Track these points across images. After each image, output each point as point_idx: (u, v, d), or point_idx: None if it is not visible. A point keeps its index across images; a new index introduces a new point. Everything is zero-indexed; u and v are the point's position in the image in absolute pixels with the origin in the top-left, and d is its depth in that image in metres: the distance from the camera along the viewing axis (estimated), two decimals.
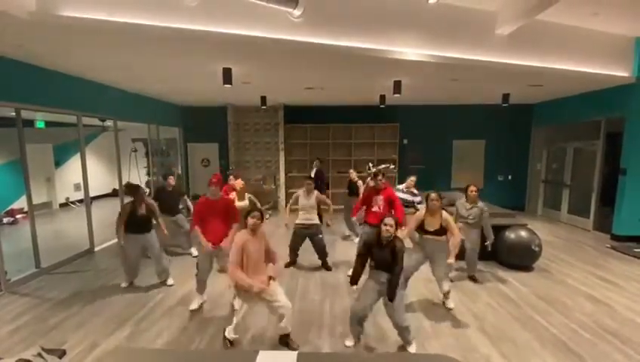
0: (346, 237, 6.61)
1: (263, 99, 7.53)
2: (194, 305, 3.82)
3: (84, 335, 3.25)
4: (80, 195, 7.97)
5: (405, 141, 9.26)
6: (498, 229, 4.95)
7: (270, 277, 2.97)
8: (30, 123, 8.21)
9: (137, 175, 9.11)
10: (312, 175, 6.75)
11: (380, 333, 3.27)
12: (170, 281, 4.43)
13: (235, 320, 2.94)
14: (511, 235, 4.91)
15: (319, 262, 5.06)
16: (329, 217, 5.08)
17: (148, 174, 8.39)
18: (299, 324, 3.41)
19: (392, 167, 8.73)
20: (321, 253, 4.99)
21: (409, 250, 3.39)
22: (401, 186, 6.06)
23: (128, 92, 6.81)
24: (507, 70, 5.01)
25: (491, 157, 9.30)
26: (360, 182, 6.25)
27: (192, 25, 3.62)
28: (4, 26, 3.32)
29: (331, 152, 9.26)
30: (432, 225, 3.64)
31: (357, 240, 6.13)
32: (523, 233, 4.90)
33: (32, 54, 4.30)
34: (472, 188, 4.41)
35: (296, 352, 2.08)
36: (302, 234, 4.94)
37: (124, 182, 6.66)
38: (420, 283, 4.28)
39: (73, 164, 9.59)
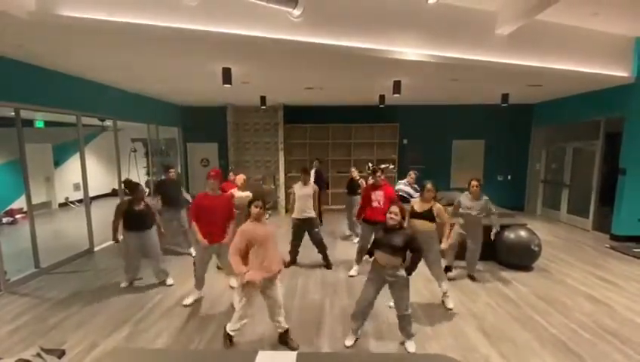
0: (346, 237, 6.61)
1: (263, 99, 7.52)
2: (188, 300, 3.85)
3: (83, 336, 3.25)
4: (79, 195, 7.96)
5: (405, 141, 9.27)
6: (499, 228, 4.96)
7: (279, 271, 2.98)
8: (29, 123, 8.21)
9: (137, 175, 9.10)
10: (312, 174, 6.75)
11: (380, 334, 3.27)
12: (169, 281, 4.42)
13: (235, 314, 2.94)
14: (510, 235, 4.91)
15: (320, 260, 5.07)
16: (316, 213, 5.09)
17: (147, 174, 8.39)
18: (299, 324, 3.42)
19: (392, 167, 8.75)
20: (320, 245, 4.98)
21: None
22: (403, 181, 6.06)
23: (128, 92, 6.80)
24: (507, 70, 5.01)
25: (491, 158, 9.31)
26: (362, 181, 6.26)
27: (192, 25, 3.62)
28: (4, 26, 3.31)
29: (331, 152, 9.25)
30: (422, 207, 3.73)
31: (357, 240, 6.14)
32: (522, 233, 4.90)
33: (31, 54, 4.29)
34: (474, 182, 4.37)
35: (296, 352, 2.08)
36: (300, 228, 4.95)
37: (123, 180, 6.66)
38: (419, 284, 4.28)
39: (72, 164, 9.58)
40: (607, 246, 6.08)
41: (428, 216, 3.68)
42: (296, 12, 3.79)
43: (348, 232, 6.68)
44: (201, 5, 3.58)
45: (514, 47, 4.85)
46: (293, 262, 5.10)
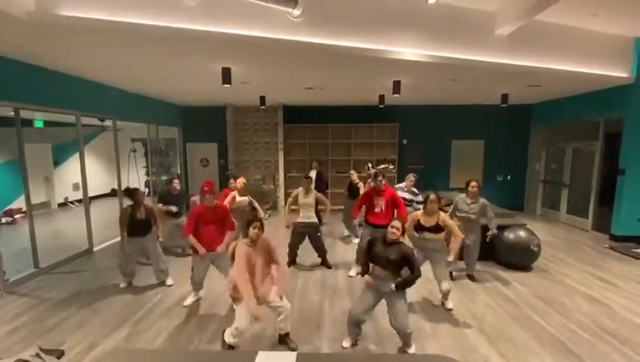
0: (345, 239, 6.61)
1: (263, 99, 7.52)
2: (188, 301, 3.88)
3: (82, 336, 3.25)
4: (79, 195, 7.94)
5: (405, 141, 9.27)
6: (497, 229, 4.95)
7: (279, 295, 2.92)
8: (29, 122, 8.20)
9: (136, 175, 9.10)
10: (313, 176, 6.74)
11: (380, 335, 3.27)
12: (169, 282, 4.43)
13: (234, 324, 2.85)
14: (510, 235, 4.91)
15: (319, 262, 5.09)
16: (324, 216, 5.10)
17: (147, 174, 8.38)
18: (298, 324, 3.42)
19: (392, 167, 8.75)
20: (320, 250, 5.02)
21: None
22: (401, 185, 6.04)
23: (128, 92, 6.80)
24: (506, 70, 5.01)
25: (490, 158, 9.32)
26: (361, 184, 6.24)
27: (192, 25, 3.61)
28: (4, 26, 3.30)
29: (331, 152, 9.25)
30: (429, 222, 3.68)
31: (356, 241, 6.13)
32: (522, 233, 4.91)
33: (31, 54, 4.29)
34: (473, 183, 4.37)
35: (296, 353, 2.08)
36: (301, 232, 4.96)
37: (123, 183, 6.64)
38: (419, 284, 4.24)
39: (72, 164, 9.56)
40: (607, 246, 6.09)
41: (436, 228, 3.66)
42: (296, 12, 3.79)
43: (347, 233, 6.68)
44: (201, 5, 3.58)
45: (513, 48, 4.85)
46: (292, 262, 5.11)
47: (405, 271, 2.91)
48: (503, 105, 7.39)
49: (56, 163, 9.68)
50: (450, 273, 4.56)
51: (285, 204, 9.19)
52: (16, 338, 3.21)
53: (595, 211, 7.13)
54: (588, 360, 2.89)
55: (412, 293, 4.09)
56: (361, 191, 5.90)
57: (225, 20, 3.72)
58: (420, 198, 5.70)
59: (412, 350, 2.98)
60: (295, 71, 5.33)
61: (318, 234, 4.97)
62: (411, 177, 5.83)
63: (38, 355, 2.66)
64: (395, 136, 9.12)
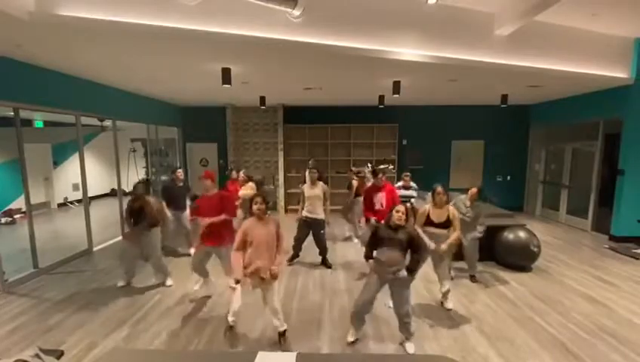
0: (346, 239, 6.61)
1: (262, 99, 7.52)
2: (196, 286, 4.09)
3: (82, 336, 3.24)
4: (78, 195, 7.94)
5: (404, 141, 9.27)
6: (497, 230, 4.97)
7: (272, 274, 2.89)
8: (28, 122, 8.20)
9: (136, 175, 9.09)
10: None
11: (380, 335, 3.27)
12: (169, 282, 4.42)
13: (233, 304, 3.02)
14: (509, 236, 4.91)
15: (319, 261, 5.09)
16: (326, 215, 5.12)
17: (147, 174, 8.38)
18: (298, 324, 3.42)
19: (392, 167, 8.75)
20: (322, 248, 5.03)
21: None
22: (399, 184, 6.08)
23: (127, 92, 6.79)
24: (506, 71, 5.02)
25: (490, 158, 9.32)
26: (354, 181, 6.26)
27: (192, 25, 3.61)
28: (4, 26, 3.30)
29: (330, 153, 9.26)
30: (439, 217, 3.66)
31: (356, 241, 6.15)
32: (521, 233, 4.91)
33: (31, 54, 4.28)
34: (474, 190, 4.42)
35: (296, 352, 2.08)
36: (307, 226, 4.96)
37: (123, 184, 6.63)
38: (419, 284, 4.27)
39: (72, 164, 9.54)
40: (606, 246, 6.09)
41: (445, 224, 3.63)
42: (296, 12, 3.79)
43: (348, 233, 6.68)
44: (201, 5, 3.58)
45: (513, 48, 4.85)
46: (296, 256, 5.13)
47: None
48: (502, 106, 7.40)
49: (56, 163, 9.68)
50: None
51: (285, 204, 9.25)
52: (16, 339, 3.20)
53: (595, 212, 7.13)
54: (587, 360, 2.90)
55: (412, 294, 4.09)
56: (353, 187, 6.11)
57: (225, 20, 3.72)
58: (414, 193, 5.83)
59: (412, 350, 2.98)
60: (295, 71, 5.33)
61: (322, 231, 4.98)
62: (405, 177, 5.94)
63: (37, 355, 2.65)
64: (394, 136, 9.12)
